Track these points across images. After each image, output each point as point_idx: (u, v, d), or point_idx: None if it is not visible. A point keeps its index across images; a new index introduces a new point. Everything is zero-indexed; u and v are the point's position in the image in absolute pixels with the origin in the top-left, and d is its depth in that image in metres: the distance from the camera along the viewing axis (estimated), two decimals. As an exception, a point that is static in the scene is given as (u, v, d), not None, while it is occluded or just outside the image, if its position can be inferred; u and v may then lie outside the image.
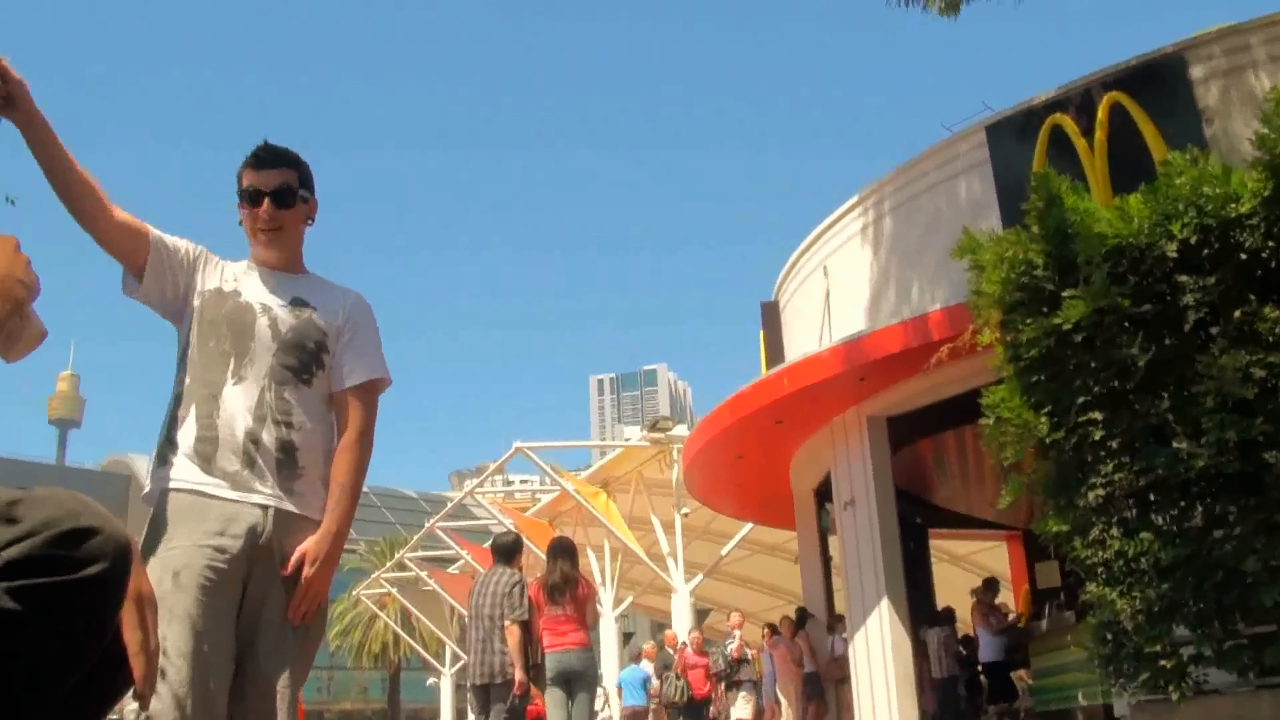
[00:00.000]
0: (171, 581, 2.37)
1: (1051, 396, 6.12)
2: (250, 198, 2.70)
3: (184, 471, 2.51)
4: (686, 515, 17.95)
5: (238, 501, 2.50)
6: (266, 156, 2.72)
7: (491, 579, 7.50)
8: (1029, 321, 6.22)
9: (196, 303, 2.66)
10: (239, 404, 2.55)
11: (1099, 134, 9.20)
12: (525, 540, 18.58)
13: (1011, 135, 10.21)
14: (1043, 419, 6.09)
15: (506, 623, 7.14)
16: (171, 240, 2.66)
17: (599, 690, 15.83)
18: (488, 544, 8.28)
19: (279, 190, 2.69)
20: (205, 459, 2.51)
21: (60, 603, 1.12)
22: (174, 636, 2.32)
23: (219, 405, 2.54)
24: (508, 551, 7.68)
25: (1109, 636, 5.72)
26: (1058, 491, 6.05)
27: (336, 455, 2.65)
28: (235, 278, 2.72)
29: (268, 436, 2.55)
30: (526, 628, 7.26)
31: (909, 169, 11.76)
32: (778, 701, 13.96)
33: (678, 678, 13.50)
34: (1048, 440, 6.05)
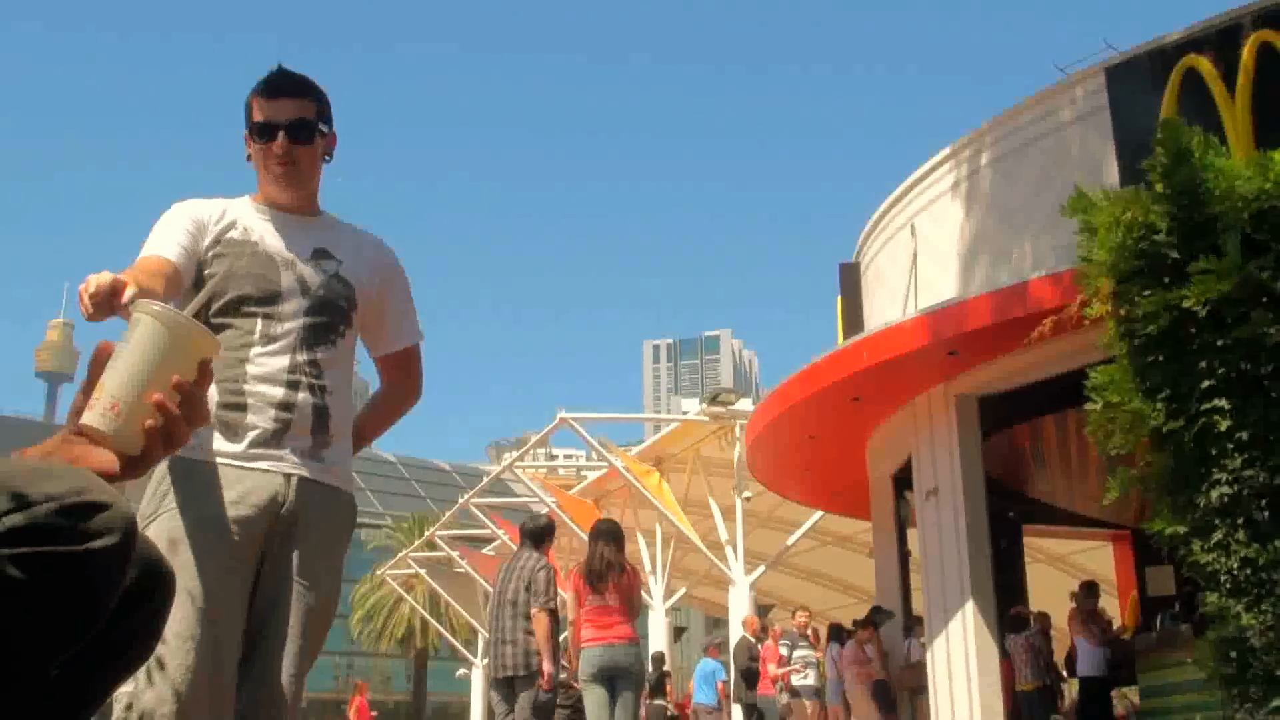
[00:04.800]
0: (179, 555, 2.39)
1: (1170, 380, 5.99)
2: (262, 132, 2.64)
3: (205, 439, 2.51)
4: (748, 500, 17.94)
5: (263, 470, 2.51)
6: (282, 84, 2.67)
7: (517, 564, 7.61)
8: (1147, 294, 6.08)
9: (209, 252, 2.63)
10: (271, 368, 2.56)
11: (1242, 79, 8.92)
12: (570, 521, 18.91)
13: (1136, 79, 9.95)
14: (1158, 405, 5.97)
15: (533, 609, 7.24)
16: (182, 249, 2.57)
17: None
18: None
19: (296, 124, 2.64)
20: (231, 427, 2.52)
21: (64, 574, 1.19)
22: (177, 618, 2.33)
23: (246, 369, 2.55)
24: (538, 536, 7.79)
25: (1233, 655, 5.61)
26: (1174, 488, 5.93)
27: (384, 410, 2.92)
28: (245, 223, 2.67)
29: (302, 402, 2.57)
30: (555, 616, 7.34)
31: (1013, 116, 11.56)
32: (847, 708, 13.92)
33: (782, 691, 13.48)
34: (1164, 429, 5.93)
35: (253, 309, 2.58)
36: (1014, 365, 10.46)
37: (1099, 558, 17.72)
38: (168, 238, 2.57)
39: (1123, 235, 6.21)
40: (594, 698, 7.37)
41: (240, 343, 2.56)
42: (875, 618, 13.62)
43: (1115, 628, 13.25)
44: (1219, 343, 5.80)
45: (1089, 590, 12.55)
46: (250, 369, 2.55)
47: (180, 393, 1.45)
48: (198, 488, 2.47)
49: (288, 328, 2.60)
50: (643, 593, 9.76)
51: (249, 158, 2.71)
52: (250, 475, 2.50)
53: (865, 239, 14.46)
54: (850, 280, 14.50)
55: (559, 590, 7.58)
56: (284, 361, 2.58)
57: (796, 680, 13.34)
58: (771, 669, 13.21)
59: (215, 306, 2.58)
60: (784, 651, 13.89)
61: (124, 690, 2.33)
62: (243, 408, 2.53)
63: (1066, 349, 8.88)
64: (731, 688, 14.98)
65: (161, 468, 2.52)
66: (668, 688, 18.38)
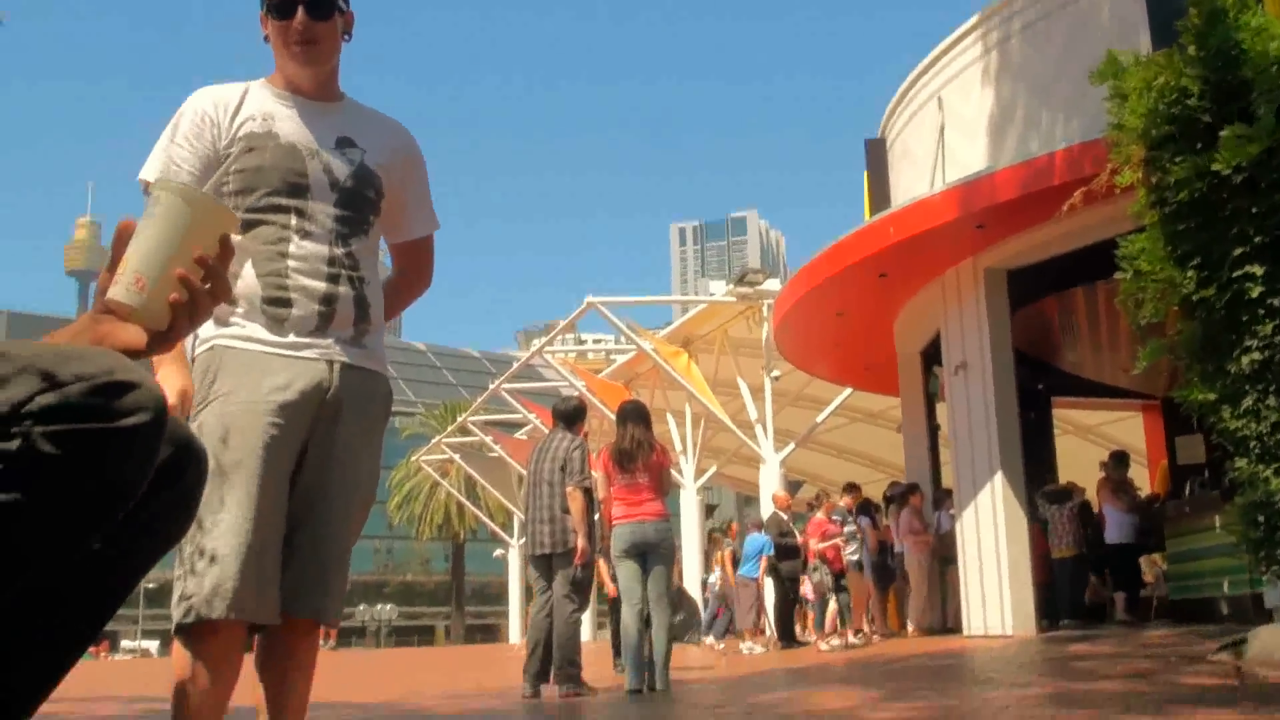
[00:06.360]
0: (227, 441, 2.44)
1: (1201, 247, 5.90)
2: (280, 9, 2.61)
3: (251, 331, 2.55)
4: (777, 379, 18.00)
5: (308, 359, 2.55)
6: None
7: (551, 443, 7.72)
8: (1179, 160, 5.95)
9: (230, 149, 2.61)
10: (311, 262, 2.58)
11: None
12: (599, 404, 19.06)
13: (1168, -62, 9.64)
14: (1190, 273, 5.90)
15: (568, 488, 7.36)
16: (190, 154, 2.59)
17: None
18: (556, 407, 8.46)
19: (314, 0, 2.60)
20: (277, 320, 2.55)
21: (99, 450, 1.21)
22: (222, 505, 2.40)
23: (287, 264, 2.56)
24: (569, 417, 7.89)
25: (1261, 519, 5.62)
26: (1205, 355, 5.89)
27: (395, 297, 2.88)
28: (264, 112, 2.65)
29: (344, 294, 2.60)
30: (589, 495, 7.46)
31: (1042, -19, 11.25)
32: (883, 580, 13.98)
33: (816, 567, 13.31)
34: (1195, 297, 5.86)
35: (284, 202, 2.58)
36: (1042, 237, 10.35)
37: (1129, 428, 17.76)
38: (173, 167, 2.57)
39: (1154, 100, 6.06)
40: (627, 572, 7.51)
41: (277, 237, 2.57)
42: (899, 489, 13.65)
43: (1145, 496, 13.34)
44: (1253, 209, 5.70)
45: (1119, 460, 12.61)
46: (290, 263, 2.56)
47: (203, 267, 1.46)
48: (244, 375, 2.51)
49: (322, 221, 2.60)
50: (673, 472, 9.85)
51: (266, 38, 2.67)
52: (296, 363, 2.54)
53: (891, 113, 14.22)
54: (877, 156, 14.31)
55: (591, 470, 7.68)
56: (323, 253, 2.59)
57: (847, 555, 13.32)
58: (813, 544, 13.18)
59: (246, 203, 2.57)
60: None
61: (179, 583, 2.42)
62: (287, 302, 2.56)
63: (1096, 219, 8.77)
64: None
65: (207, 356, 2.56)
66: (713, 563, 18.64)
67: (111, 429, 1.21)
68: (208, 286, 1.47)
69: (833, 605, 12.96)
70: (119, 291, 1.42)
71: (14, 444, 1.18)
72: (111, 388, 1.22)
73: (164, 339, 1.47)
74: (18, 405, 1.19)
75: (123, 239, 1.45)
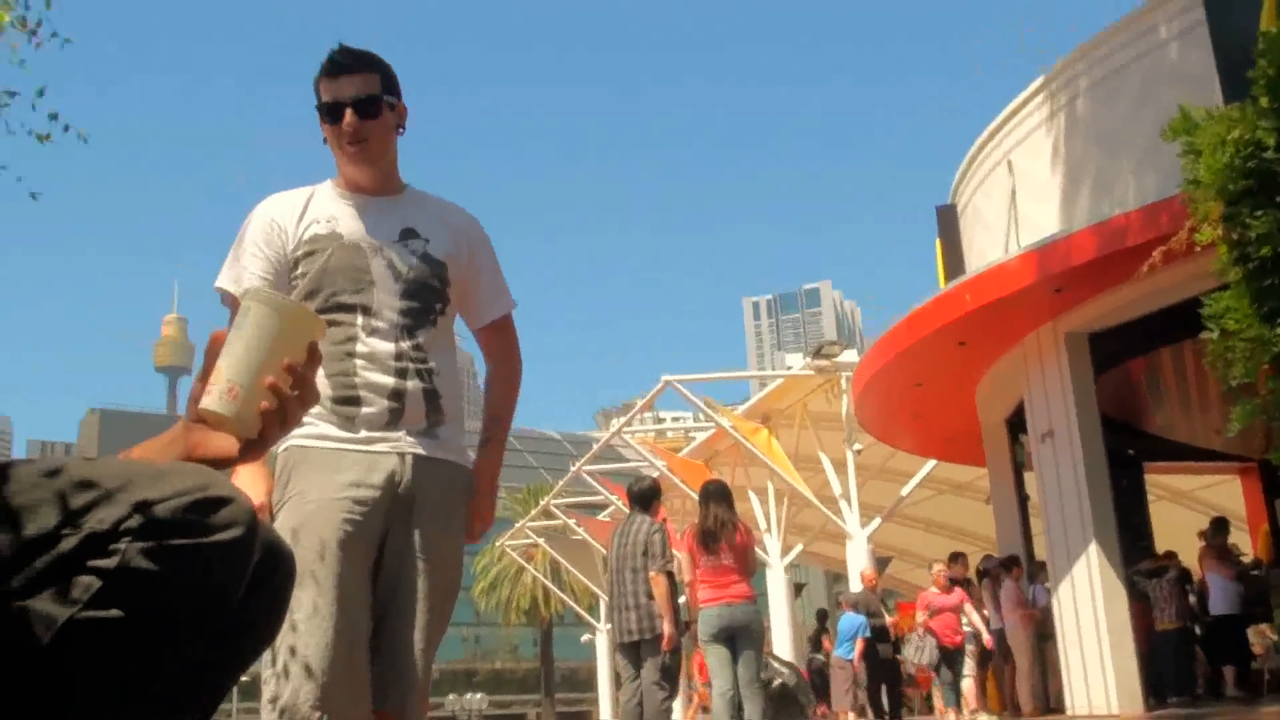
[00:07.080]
0: (304, 541, 2.46)
1: (1289, 302, 5.77)
2: (330, 112, 2.67)
3: (323, 430, 2.59)
4: (859, 452, 17.79)
5: (380, 452, 2.58)
6: (344, 62, 2.69)
7: (630, 528, 7.68)
8: (1259, 214, 5.85)
9: (297, 253, 2.69)
10: (378, 359, 2.62)
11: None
12: (681, 484, 18.98)
13: (1235, -10, 9.56)
14: (1279, 330, 5.76)
15: (651, 573, 7.31)
16: (260, 269, 2.69)
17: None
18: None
19: (361, 99, 2.66)
20: (347, 419, 2.59)
21: (195, 565, 1.25)
22: (306, 604, 2.41)
23: (355, 363, 2.60)
24: (645, 498, 7.85)
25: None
26: (1300, 415, 5.73)
27: (498, 390, 2.89)
28: (328, 214, 2.71)
29: (412, 388, 2.62)
30: (672, 578, 7.40)
31: (1107, 38, 11.21)
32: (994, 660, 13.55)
33: (921, 636, 12.95)
34: (1286, 355, 5.72)
35: (350, 301, 2.63)
36: (1123, 298, 10.18)
37: (1226, 492, 17.26)
38: (246, 275, 2.65)
39: (1230, 155, 5.98)
40: (716, 657, 7.40)
41: (345, 336, 2.61)
42: (993, 563, 13.35)
43: (1248, 562, 12.93)
44: (1341, 260, 5.57)
45: (1218, 526, 12.26)
46: (358, 362, 2.60)
47: (291, 375, 1.49)
48: (316, 474, 2.54)
49: (388, 316, 2.64)
50: (759, 551, 9.75)
51: (325, 140, 2.73)
52: (368, 458, 2.57)
53: (961, 179, 14.18)
54: (948, 223, 14.24)
55: (674, 551, 7.63)
56: (390, 349, 2.62)
57: (968, 625, 12.96)
58: (920, 615, 12.81)
59: (313, 304, 2.60)
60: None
61: (267, 685, 2.42)
62: (356, 400, 2.59)
63: (1177, 278, 8.62)
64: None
65: (284, 457, 2.60)
66: (825, 642, 18.27)
67: (207, 543, 1.25)
68: (296, 393, 1.50)
69: (967, 682, 12.60)
70: (213, 401, 1.46)
71: (113, 561, 1.21)
72: (205, 504, 1.26)
73: (255, 447, 1.50)
74: (116, 524, 1.23)
75: (214, 350, 1.49)
